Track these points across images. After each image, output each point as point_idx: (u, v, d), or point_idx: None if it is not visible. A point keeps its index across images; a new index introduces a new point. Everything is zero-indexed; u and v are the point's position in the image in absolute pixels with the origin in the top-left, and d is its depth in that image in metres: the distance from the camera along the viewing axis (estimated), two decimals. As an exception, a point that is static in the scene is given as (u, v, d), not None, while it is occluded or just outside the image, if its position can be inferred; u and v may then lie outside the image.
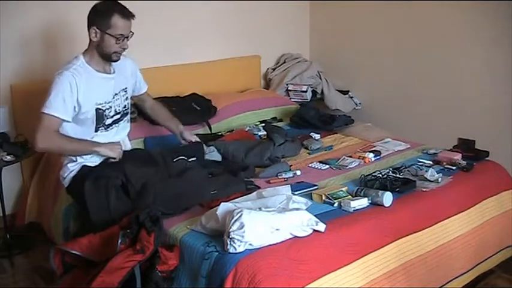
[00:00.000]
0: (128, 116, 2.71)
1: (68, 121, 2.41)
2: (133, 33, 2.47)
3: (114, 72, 2.58)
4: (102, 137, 2.54)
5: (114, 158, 2.48)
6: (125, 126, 2.69)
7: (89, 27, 2.43)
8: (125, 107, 2.64)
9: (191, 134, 2.90)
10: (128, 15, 2.43)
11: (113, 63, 2.56)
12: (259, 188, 2.43)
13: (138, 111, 3.19)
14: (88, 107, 2.44)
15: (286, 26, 4.61)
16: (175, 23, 3.87)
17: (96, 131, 2.51)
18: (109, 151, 2.47)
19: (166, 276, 2.00)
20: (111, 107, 2.54)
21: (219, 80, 4.12)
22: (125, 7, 2.45)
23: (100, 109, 2.49)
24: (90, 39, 2.46)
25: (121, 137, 2.66)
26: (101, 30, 2.40)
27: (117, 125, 2.61)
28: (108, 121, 2.55)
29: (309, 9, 4.73)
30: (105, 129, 2.54)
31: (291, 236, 1.95)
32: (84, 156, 2.49)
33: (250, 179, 2.55)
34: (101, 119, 2.51)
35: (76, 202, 2.61)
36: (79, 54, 2.50)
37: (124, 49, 2.49)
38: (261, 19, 4.41)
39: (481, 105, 3.67)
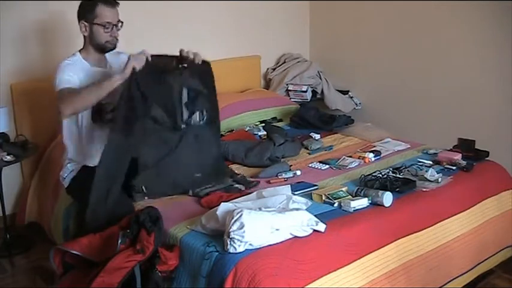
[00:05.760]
0: None
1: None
2: (122, 22, 2.50)
3: (110, 68, 2.59)
4: (104, 133, 2.52)
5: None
6: None
7: (78, 23, 2.48)
8: None
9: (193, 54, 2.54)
10: (111, 2, 2.46)
11: (109, 60, 2.59)
12: (259, 182, 2.42)
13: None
14: None
15: (286, 26, 4.61)
16: (176, 23, 3.87)
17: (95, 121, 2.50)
18: (124, 74, 2.24)
19: (166, 276, 2.00)
20: (107, 102, 2.52)
21: (219, 80, 4.11)
22: None
23: (99, 103, 2.48)
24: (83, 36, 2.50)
25: None
26: (88, 22, 2.45)
27: None
28: (108, 116, 2.53)
29: (309, 9, 4.73)
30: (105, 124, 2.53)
31: (291, 236, 1.95)
32: (85, 157, 2.48)
33: (250, 179, 2.55)
34: (100, 114, 2.49)
35: (76, 202, 2.60)
36: (76, 52, 2.55)
37: (115, 37, 2.50)
38: (261, 19, 4.42)
39: (481, 105, 3.67)
